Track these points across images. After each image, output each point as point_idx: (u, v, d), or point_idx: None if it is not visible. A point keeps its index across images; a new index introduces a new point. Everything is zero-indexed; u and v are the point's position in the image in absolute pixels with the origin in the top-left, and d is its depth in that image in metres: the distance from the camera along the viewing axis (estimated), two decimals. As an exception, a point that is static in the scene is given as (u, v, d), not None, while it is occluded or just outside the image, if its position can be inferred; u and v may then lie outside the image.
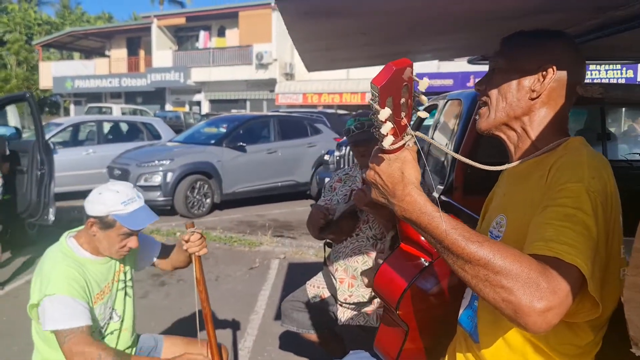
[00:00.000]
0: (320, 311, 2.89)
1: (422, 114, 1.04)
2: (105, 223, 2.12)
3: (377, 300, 2.69)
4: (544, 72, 1.28)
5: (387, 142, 0.99)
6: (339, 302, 2.78)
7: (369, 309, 2.70)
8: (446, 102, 3.83)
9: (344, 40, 1.57)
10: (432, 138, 3.93)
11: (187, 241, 2.18)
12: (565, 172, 1.14)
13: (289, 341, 4.00)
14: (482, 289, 0.98)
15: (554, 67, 1.27)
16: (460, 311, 1.40)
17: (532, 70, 1.29)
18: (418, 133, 1.05)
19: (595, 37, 1.72)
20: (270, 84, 28.16)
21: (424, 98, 1.00)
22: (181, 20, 30.27)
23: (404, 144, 1.04)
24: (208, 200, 8.88)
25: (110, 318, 2.28)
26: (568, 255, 0.98)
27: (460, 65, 21.59)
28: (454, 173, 3.12)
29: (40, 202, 5.74)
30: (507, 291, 0.94)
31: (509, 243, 1.19)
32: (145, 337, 2.49)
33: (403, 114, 1.00)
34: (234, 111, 23.91)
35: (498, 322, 1.23)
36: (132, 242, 2.19)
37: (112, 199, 2.11)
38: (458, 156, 1.09)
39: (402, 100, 0.98)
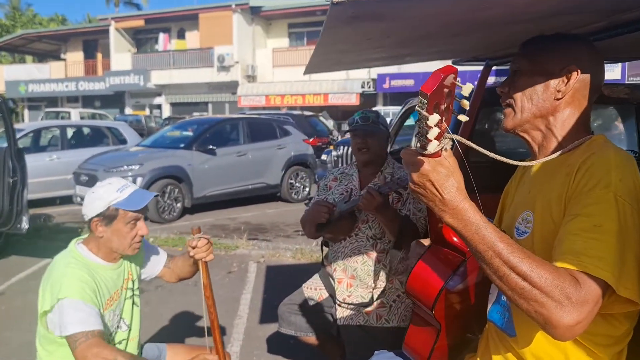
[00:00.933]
0: (318, 313, 2.88)
1: (462, 117, 1.06)
2: (108, 216, 2.10)
3: (376, 301, 2.70)
4: (568, 74, 1.33)
5: (433, 147, 1.01)
6: (338, 302, 2.77)
7: (368, 308, 2.71)
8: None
9: (366, 43, 1.58)
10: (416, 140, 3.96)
11: (194, 247, 2.15)
12: (593, 176, 1.19)
13: (276, 345, 3.99)
14: (517, 299, 1.07)
15: (578, 69, 1.32)
16: (489, 307, 1.43)
17: (556, 72, 1.34)
18: (458, 137, 1.07)
19: (597, 39, 1.77)
20: (232, 87, 27.95)
21: (465, 102, 1.03)
22: (140, 23, 29.74)
23: (443, 147, 1.06)
24: (179, 205, 8.75)
25: (119, 327, 2.23)
26: (596, 269, 1.07)
27: (421, 65, 21.87)
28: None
29: (12, 210, 5.53)
30: (540, 305, 1.04)
31: (537, 238, 1.27)
32: (149, 346, 2.43)
33: (443, 118, 1.02)
34: (196, 114, 23.65)
35: None
36: (142, 229, 2.17)
37: (107, 191, 2.11)
38: (493, 154, 1.12)
39: (444, 105, 1.00)
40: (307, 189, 10.62)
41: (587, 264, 1.07)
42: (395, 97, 25.42)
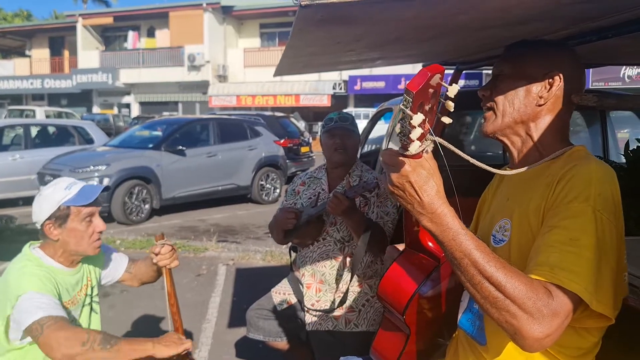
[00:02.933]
0: (287, 318, 2.84)
1: (446, 119, 1.03)
2: (60, 216, 2.01)
3: (345, 305, 2.68)
4: (551, 80, 1.32)
5: (415, 148, 0.98)
6: (307, 308, 2.74)
7: (337, 313, 2.68)
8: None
9: (335, 46, 1.56)
10: (388, 144, 3.96)
11: (157, 254, 2.09)
12: (573, 188, 1.18)
13: (245, 349, 3.94)
14: (488, 308, 1.06)
15: (561, 75, 1.31)
16: (460, 314, 1.42)
17: (538, 77, 1.33)
18: (440, 140, 1.05)
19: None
20: (202, 86, 27.70)
21: (450, 104, 0.99)
22: (108, 20, 29.26)
23: (424, 149, 1.04)
24: (147, 206, 8.60)
25: None
26: (570, 282, 1.06)
27: (392, 68, 22.07)
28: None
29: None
30: (512, 315, 1.03)
31: (514, 247, 1.25)
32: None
33: (427, 119, 1.00)
34: (165, 114, 23.35)
35: None
36: (98, 224, 2.08)
37: (55, 191, 2.02)
38: (473, 161, 1.10)
39: (428, 106, 0.97)
40: (278, 191, 10.57)
41: (561, 277, 1.07)
42: (366, 98, 25.58)
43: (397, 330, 1.45)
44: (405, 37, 1.50)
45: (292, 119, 14.79)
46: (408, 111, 0.94)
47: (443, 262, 1.40)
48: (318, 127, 13.95)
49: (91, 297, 2.21)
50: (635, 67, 20.49)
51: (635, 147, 2.36)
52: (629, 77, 21.30)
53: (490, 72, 1.61)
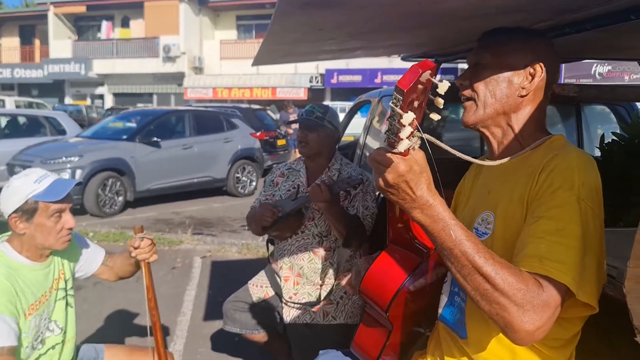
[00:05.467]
0: (264, 311, 2.82)
1: (435, 116, 1.01)
2: (27, 211, 1.91)
3: (323, 298, 2.67)
4: (532, 71, 1.31)
5: (404, 146, 0.97)
6: (284, 301, 2.72)
7: (314, 307, 2.67)
8: (380, 99, 3.83)
9: (317, 34, 1.53)
10: (366, 137, 3.95)
11: (136, 247, 2.04)
12: (557, 178, 1.18)
13: (221, 342, 3.90)
14: (479, 300, 1.06)
15: (542, 66, 1.30)
16: (441, 308, 1.41)
17: (520, 67, 1.31)
18: (429, 136, 1.04)
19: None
20: (178, 78, 27.36)
21: (440, 101, 0.98)
22: (81, 9, 28.63)
23: (411, 146, 1.03)
24: (120, 198, 8.47)
25: (50, 330, 2.06)
26: (559, 273, 1.06)
27: (369, 61, 22.11)
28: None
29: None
30: (502, 308, 1.03)
31: (498, 239, 1.24)
32: (86, 347, 2.30)
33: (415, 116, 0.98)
34: (140, 105, 23.00)
35: (488, 319, 1.26)
36: (69, 221, 1.99)
37: (24, 183, 1.93)
38: (460, 154, 1.09)
39: (417, 102, 0.96)
40: (254, 184, 10.51)
41: (550, 268, 1.07)
42: (343, 92, 25.56)
43: (379, 326, 1.44)
44: (387, 25, 1.49)
45: (269, 112, 14.73)
46: (398, 109, 0.92)
47: (426, 257, 1.39)
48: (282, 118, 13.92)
49: (66, 291, 2.14)
50: (606, 64, 20.90)
51: (610, 141, 2.39)
52: (599, 74, 21.68)
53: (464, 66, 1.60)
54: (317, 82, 25.99)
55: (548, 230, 1.12)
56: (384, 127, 3.79)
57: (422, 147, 1.06)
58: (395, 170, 1.03)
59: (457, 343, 1.35)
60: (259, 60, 2.29)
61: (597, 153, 2.58)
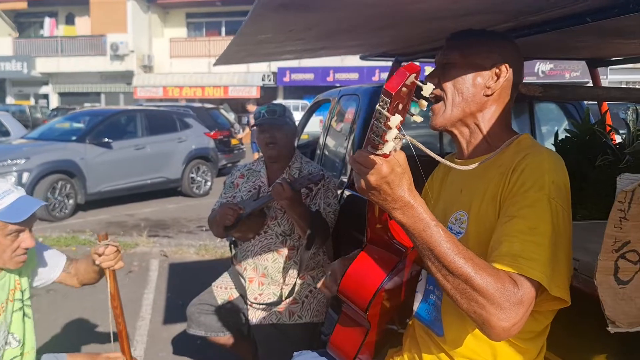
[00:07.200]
0: (229, 313, 2.79)
1: (417, 118, 1.03)
2: None
3: (288, 297, 2.67)
4: (497, 70, 1.35)
5: (389, 148, 0.98)
6: (249, 302, 2.70)
7: (280, 306, 2.67)
8: (340, 98, 3.83)
9: (286, 34, 1.53)
10: (326, 138, 3.95)
11: (100, 254, 1.97)
12: (529, 178, 1.21)
13: (182, 346, 3.84)
14: (458, 299, 1.09)
15: (507, 66, 1.34)
16: (416, 305, 1.43)
17: (486, 67, 1.35)
18: (411, 139, 1.05)
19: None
20: (127, 77, 26.70)
21: (423, 103, 1.00)
22: (22, 5, 27.50)
23: (394, 148, 1.04)
24: (71, 202, 8.21)
25: (8, 343, 1.97)
26: (532, 270, 1.10)
27: (321, 60, 22.07)
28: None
29: None
30: (480, 306, 1.06)
31: (472, 238, 1.28)
32: (47, 357, 2.20)
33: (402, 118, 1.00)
34: (87, 105, 22.35)
35: (464, 315, 1.29)
36: (26, 241, 1.87)
37: None
38: (433, 154, 1.11)
39: (401, 105, 0.97)
40: (209, 184, 10.40)
41: (523, 266, 1.10)
42: (296, 90, 25.54)
43: (356, 325, 1.45)
44: (357, 26, 1.50)
45: (222, 111, 14.57)
46: (385, 112, 0.93)
47: (404, 257, 1.41)
48: (248, 118, 13.82)
49: (22, 302, 2.04)
50: (548, 62, 21.65)
51: (563, 137, 2.48)
52: (542, 72, 22.48)
53: (428, 64, 1.62)
54: (270, 80, 25.88)
55: (521, 230, 1.15)
56: (340, 126, 3.81)
57: (407, 150, 1.08)
58: (378, 172, 1.04)
59: (434, 339, 1.38)
60: (223, 60, 2.26)
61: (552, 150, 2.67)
